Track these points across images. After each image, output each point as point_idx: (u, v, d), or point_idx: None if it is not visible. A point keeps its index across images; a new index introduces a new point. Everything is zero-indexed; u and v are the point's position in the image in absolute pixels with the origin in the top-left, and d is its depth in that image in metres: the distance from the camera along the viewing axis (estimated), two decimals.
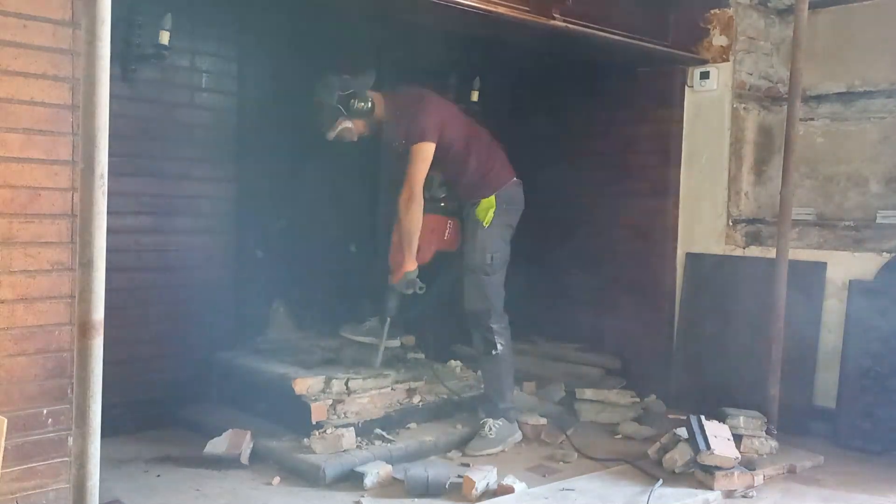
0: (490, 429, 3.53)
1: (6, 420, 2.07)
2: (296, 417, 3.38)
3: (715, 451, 3.06)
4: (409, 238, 3.49)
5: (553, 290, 5.01)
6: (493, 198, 3.56)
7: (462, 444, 3.56)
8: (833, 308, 3.92)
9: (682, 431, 3.32)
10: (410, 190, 3.44)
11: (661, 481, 3.09)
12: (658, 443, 3.39)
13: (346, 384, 3.52)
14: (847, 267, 3.90)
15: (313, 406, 3.33)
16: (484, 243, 3.55)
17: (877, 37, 4.18)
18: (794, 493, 3.13)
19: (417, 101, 3.53)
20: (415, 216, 3.46)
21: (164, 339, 3.69)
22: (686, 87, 4.43)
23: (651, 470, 3.25)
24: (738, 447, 3.20)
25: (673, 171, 4.46)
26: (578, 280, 4.87)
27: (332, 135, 3.52)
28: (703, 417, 3.22)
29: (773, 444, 3.40)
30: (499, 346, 3.61)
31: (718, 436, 3.16)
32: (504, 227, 3.60)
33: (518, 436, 3.64)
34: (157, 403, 3.66)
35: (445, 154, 3.52)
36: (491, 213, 3.54)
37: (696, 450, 3.12)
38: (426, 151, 3.43)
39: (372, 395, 3.57)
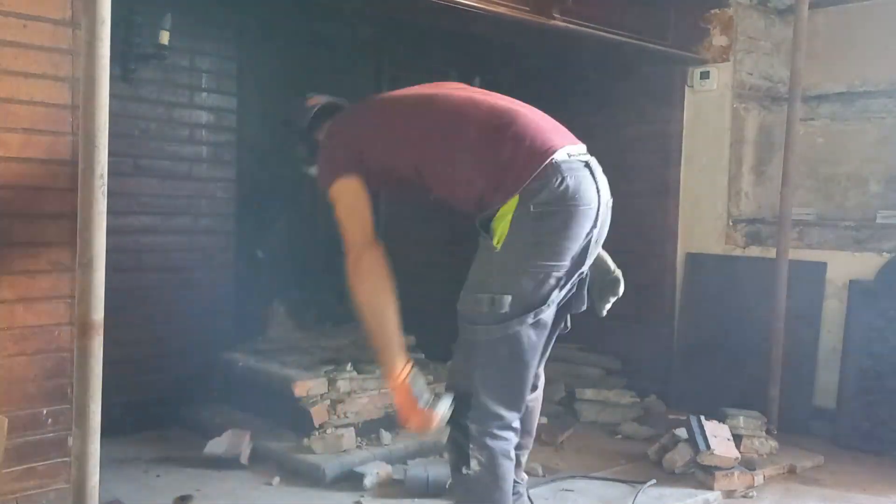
0: None
1: (6, 420, 2.07)
2: (296, 417, 3.38)
3: (715, 451, 3.06)
4: (375, 333, 2.14)
5: None
6: (515, 198, 2.08)
7: None
8: (833, 308, 3.92)
9: (682, 432, 3.32)
10: (351, 251, 2.20)
11: (650, 482, 3.09)
12: (658, 443, 3.39)
13: (344, 384, 3.53)
14: (847, 267, 3.90)
15: (313, 410, 3.31)
16: (485, 275, 2.16)
17: (877, 37, 4.18)
18: (794, 493, 3.13)
19: (328, 138, 2.37)
20: (367, 288, 2.14)
21: (164, 339, 3.69)
22: (686, 87, 4.43)
23: (651, 470, 3.26)
24: (738, 447, 3.20)
25: (673, 171, 4.46)
26: None
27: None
28: (702, 417, 3.22)
29: (773, 443, 3.40)
30: (472, 463, 2.10)
31: (718, 436, 3.16)
32: (533, 248, 2.07)
33: None
34: (157, 403, 3.65)
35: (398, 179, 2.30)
36: (506, 225, 2.10)
37: (696, 450, 3.12)
38: (342, 189, 2.21)
39: (372, 395, 3.56)
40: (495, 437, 2.09)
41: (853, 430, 3.72)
